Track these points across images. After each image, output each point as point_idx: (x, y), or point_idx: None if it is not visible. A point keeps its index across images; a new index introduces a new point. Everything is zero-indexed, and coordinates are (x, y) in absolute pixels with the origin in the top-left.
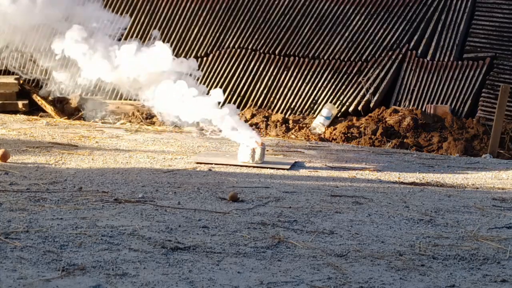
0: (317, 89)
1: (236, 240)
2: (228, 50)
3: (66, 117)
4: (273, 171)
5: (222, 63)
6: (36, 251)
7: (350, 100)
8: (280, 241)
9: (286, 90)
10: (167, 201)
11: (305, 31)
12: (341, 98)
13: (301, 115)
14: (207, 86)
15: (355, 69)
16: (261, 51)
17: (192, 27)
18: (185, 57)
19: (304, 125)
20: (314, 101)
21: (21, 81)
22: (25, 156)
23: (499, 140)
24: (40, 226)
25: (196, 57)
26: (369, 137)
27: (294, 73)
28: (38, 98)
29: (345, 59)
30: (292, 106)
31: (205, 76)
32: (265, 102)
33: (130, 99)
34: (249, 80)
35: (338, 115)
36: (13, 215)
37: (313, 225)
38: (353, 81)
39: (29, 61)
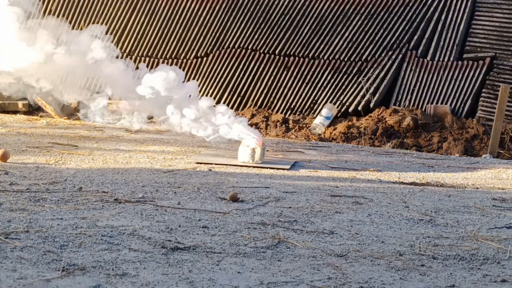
0: (317, 89)
1: (236, 240)
2: (228, 50)
3: (66, 117)
4: (273, 171)
5: (222, 63)
6: (36, 251)
7: (350, 100)
8: (280, 241)
9: (286, 90)
10: (167, 201)
11: (305, 31)
12: (341, 98)
13: (301, 115)
14: (207, 87)
15: (355, 69)
16: (261, 51)
17: (192, 27)
18: (185, 57)
19: (304, 125)
20: (314, 101)
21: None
22: (25, 156)
23: (499, 140)
24: (40, 226)
25: (196, 57)
26: (369, 137)
27: (294, 73)
28: (38, 98)
29: (345, 59)
30: (292, 106)
31: (205, 76)
32: (265, 102)
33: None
34: (249, 80)
35: (338, 115)
36: (13, 215)
37: (313, 225)
38: (353, 81)
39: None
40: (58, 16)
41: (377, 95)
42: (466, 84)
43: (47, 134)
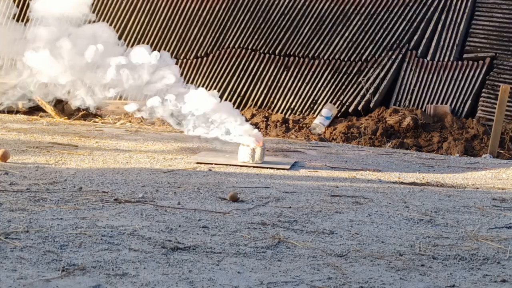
0: (317, 89)
1: (236, 240)
2: (228, 50)
3: (66, 117)
4: (273, 171)
5: (222, 63)
6: (36, 251)
7: (350, 100)
8: (280, 241)
9: (286, 90)
10: (167, 201)
11: (305, 31)
12: (341, 98)
13: (301, 115)
14: (207, 86)
15: (355, 69)
16: (261, 51)
17: (192, 27)
18: (185, 57)
19: (304, 125)
20: (314, 101)
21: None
22: (25, 156)
23: (499, 140)
24: (40, 226)
25: (196, 57)
26: (369, 137)
27: (294, 73)
28: (38, 98)
29: (345, 59)
30: (292, 106)
31: (205, 76)
32: (265, 102)
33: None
34: (249, 80)
35: (338, 115)
36: (13, 215)
37: (313, 225)
38: (353, 81)
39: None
40: None
41: (377, 95)
42: (466, 84)
43: (47, 134)
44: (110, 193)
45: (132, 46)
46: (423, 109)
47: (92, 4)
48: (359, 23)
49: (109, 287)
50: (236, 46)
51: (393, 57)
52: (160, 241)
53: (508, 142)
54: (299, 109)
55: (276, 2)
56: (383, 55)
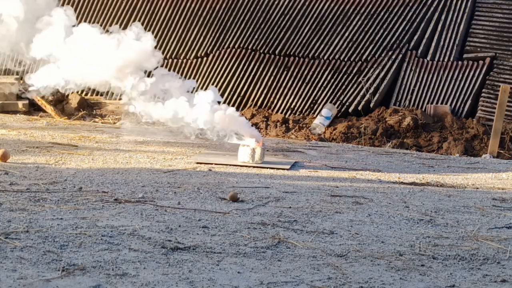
0: (317, 89)
1: (236, 240)
2: (228, 50)
3: (66, 117)
4: (273, 171)
5: (222, 63)
6: (36, 251)
7: (350, 100)
8: (280, 241)
9: (286, 90)
10: (167, 201)
11: (305, 31)
12: (341, 98)
13: (301, 115)
14: (207, 86)
15: (355, 69)
16: (261, 51)
17: (192, 27)
18: (185, 57)
19: (304, 125)
20: (314, 101)
21: (21, 81)
22: (25, 156)
23: (499, 140)
24: (40, 226)
25: (196, 57)
26: (369, 137)
27: (294, 73)
28: (38, 98)
29: (345, 59)
30: (292, 106)
31: (205, 76)
32: (265, 102)
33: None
34: (249, 80)
35: (338, 115)
36: (13, 215)
37: (313, 225)
38: (353, 81)
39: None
40: None
41: (377, 95)
42: (466, 84)
43: (47, 134)
44: (110, 193)
45: None
46: (423, 109)
47: (93, 4)
48: (359, 23)
49: (109, 287)
50: (236, 46)
51: (393, 57)
52: (160, 241)
53: (508, 142)
54: (299, 109)
55: (276, 2)
56: (383, 55)
